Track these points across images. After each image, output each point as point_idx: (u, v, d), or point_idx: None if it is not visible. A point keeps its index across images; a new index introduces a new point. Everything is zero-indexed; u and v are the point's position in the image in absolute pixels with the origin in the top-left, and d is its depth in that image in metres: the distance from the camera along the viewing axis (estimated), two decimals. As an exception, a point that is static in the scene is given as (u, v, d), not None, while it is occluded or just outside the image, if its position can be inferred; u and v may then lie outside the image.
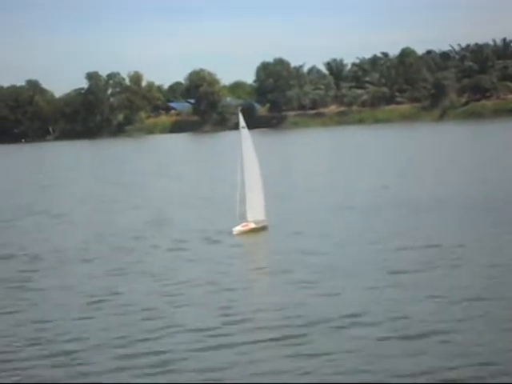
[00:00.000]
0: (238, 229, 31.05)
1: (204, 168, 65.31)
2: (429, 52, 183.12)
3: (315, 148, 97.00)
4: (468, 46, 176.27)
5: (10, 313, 20.75)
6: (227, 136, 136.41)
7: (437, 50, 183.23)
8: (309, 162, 71.36)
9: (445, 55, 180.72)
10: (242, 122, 31.90)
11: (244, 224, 31.29)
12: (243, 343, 16.87)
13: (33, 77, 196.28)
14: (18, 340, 17.92)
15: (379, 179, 49.67)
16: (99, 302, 21.17)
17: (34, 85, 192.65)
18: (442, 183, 45.14)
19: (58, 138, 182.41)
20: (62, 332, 18.43)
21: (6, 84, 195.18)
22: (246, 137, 31.62)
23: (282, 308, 19.62)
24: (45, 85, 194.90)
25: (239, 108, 34.54)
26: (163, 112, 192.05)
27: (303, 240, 29.26)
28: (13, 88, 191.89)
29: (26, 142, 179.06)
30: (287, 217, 35.28)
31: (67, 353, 16.81)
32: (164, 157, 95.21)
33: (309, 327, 17.60)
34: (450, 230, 29.54)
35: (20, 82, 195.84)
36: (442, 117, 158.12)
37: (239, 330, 17.88)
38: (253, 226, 31.30)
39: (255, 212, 31.43)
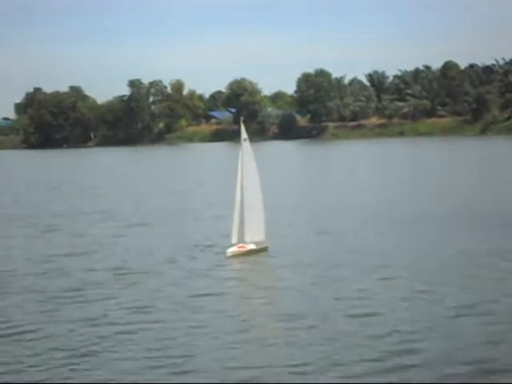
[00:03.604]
0: (232, 250, 28.36)
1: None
2: (472, 66, 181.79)
3: (355, 160, 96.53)
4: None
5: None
6: (266, 146, 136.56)
7: (480, 64, 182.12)
8: (346, 175, 70.78)
9: (488, 69, 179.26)
10: (243, 134, 29.00)
11: (240, 245, 28.58)
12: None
13: (76, 83, 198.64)
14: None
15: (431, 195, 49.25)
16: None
17: (76, 91, 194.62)
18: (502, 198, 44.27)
19: (98, 145, 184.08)
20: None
21: (49, 90, 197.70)
22: (247, 151, 28.97)
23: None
24: (87, 91, 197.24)
25: (242, 118, 30.79)
26: (204, 121, 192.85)
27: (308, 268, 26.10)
28: (56, 94, 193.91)
29: (68, 147, 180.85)
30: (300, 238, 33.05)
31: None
32: (203, 165, 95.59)
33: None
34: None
35: (63, 88, 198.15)
36: (483, 131, 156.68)
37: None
38: (251, 247, 28.66)
39: (253, 232, 28.77)
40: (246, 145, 29.12)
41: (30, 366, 16.71)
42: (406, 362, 16.19)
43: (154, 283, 24.69)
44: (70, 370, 16.41)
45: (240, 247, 28.69)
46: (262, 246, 29.11)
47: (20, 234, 37.38)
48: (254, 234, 28.92)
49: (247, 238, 28.88)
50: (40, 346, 18.12)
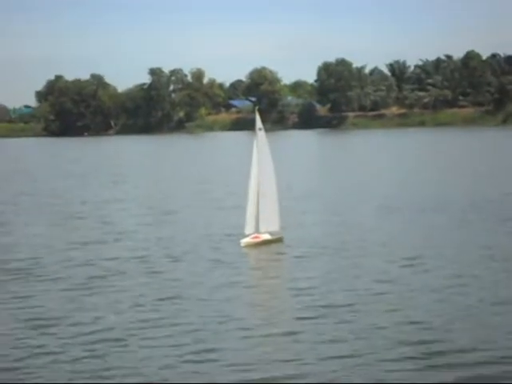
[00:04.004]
0: (246, 240, 28.39)
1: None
2: (494, 55, 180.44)
3: (374, 150, 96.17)
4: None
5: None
6: (285, 135, 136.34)
7: (502, 54, 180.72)
8: (364, 164, 70.40)
9: (510, 59, 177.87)
10: (258, 123, 28.92)
11: (254, 235, 28.62)
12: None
13: (97, 71, 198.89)
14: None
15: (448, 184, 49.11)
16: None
17: (97, 79, 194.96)
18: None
19: (118, 133, 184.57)
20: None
21: (70, 77, 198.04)
22: (262, 140, 28.94)
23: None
24: (108, 79, 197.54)
25: (256, 107, 30.71)
26: (223, 109, 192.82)
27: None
28: (77, 82, 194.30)
29: (89, 135, 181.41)
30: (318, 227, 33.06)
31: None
32: (223, 154, 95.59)
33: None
34: None
35: (84, 75, 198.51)
36: (505, 122, 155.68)
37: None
38: (265, 237, 28.67)
39: (268, 223, 28.77)
40: (260, 134, 29.03)
41: (58, 356, 16.74)
42: (439, 360, 16.02)
43: (177, 273, 24.71)
44: (99, 362, 16.40)
45: (254, 237, 28.67)
46: (277, 236, 29.10)
47: (43, 222, 37.59)
48: (269, 225, 28.96)
49: (262, 228, 28.89)
50: (66, 335, 18.14)
